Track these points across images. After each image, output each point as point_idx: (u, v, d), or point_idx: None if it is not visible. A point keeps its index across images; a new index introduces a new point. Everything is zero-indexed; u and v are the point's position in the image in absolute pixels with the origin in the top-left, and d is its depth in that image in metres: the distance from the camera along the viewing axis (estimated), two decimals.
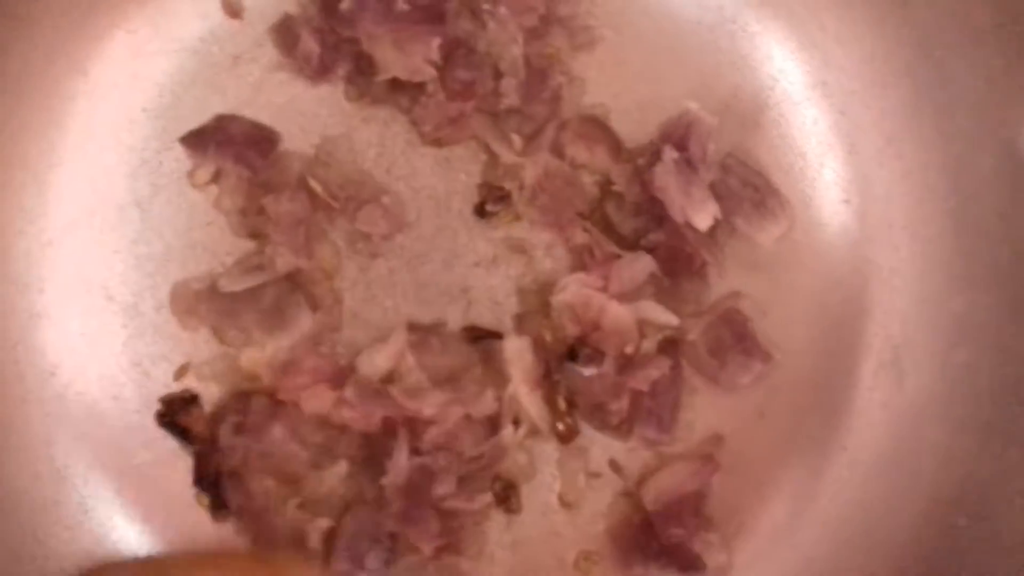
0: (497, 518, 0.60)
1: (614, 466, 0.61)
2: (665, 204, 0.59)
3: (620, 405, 0.59)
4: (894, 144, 0.62)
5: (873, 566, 0.59)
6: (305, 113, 0.62)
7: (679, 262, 0.60)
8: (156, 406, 0.60)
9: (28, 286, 0.59)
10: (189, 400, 0.60)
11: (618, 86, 0.63)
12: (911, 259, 0.61)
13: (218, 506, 0.59)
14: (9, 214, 0.59)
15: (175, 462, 0.60)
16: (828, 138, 0.63)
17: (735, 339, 0.60)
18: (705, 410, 0.61)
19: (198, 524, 0.59)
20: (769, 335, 0.61)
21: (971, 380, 0.59)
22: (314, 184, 0.60)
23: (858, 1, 0.61)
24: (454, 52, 0.60)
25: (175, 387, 0.60)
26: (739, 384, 0.60)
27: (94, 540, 0.59)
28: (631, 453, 0.61)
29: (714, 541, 0.59)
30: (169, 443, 0.60)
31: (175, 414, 0.59)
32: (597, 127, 0.62)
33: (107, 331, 0.60)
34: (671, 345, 0.61)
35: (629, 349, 0.59)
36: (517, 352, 0.59)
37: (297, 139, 0.62)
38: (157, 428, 0.60)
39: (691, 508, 0.59)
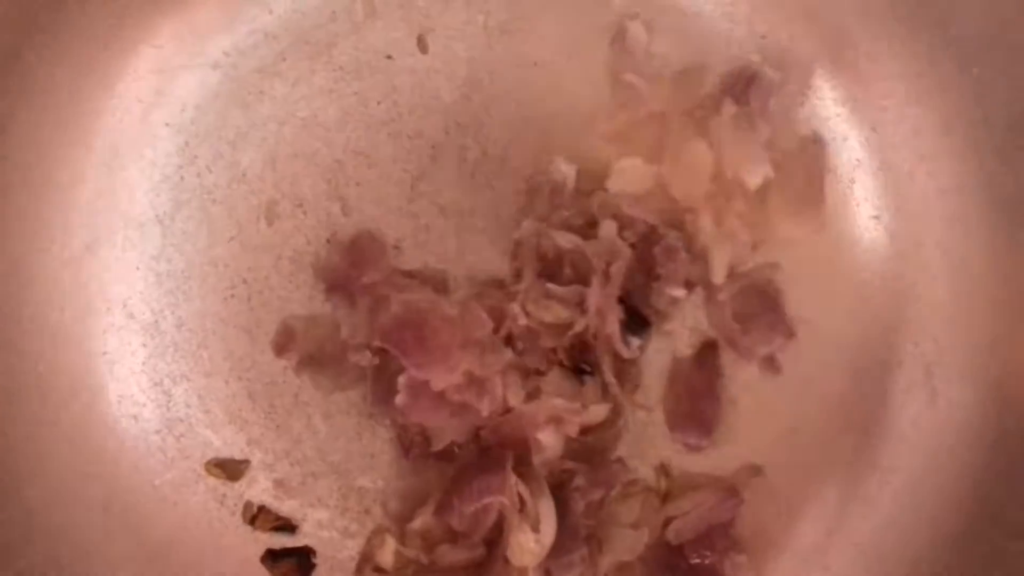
0: None
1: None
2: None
3: None
4: (927, 161, 0.61)
5: None
6: (329, 128, 0.61)
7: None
8: (177, 427, 0.59)
9: (49, 304, 0.58)
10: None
11: None
12: (943, 277, 0.61)
13: None
14: (32, 231, 0.58)
15: (196, 483, 0.59)
16: (858, 154, 0.62)
17: (763, 308, 0.60)
18: (737, 426, 0.61)
19: (219, 547, 0.59)
20: (799, 313, 0.61)
21: (1004, 399, 0.58)
22: None
23: (892, 19, 0.60)
24: None
25: (194, 407, 0.59)
26: (756, 353, 0.60)
27: (115, 566, 0.58)
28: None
29: (743, 563, 0.59)
30: (189, 464, 0.59)
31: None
32: None
33: (127, 350, 0.60)
34: (710, 349, 0.61)
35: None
36: None
37: (321, 154, 0.61)
38: (177, 448, 0.59)
39: (720, 529, 0.59)
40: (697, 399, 0.60)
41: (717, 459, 0.61)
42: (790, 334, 0.60)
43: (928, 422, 0.60)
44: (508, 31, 0.62)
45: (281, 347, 0.60)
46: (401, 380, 0.56)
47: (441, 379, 0.55)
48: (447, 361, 0.55)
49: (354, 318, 0.58)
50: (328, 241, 0.60)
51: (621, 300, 0.58)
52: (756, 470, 0.60)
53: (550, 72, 0.62)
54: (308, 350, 0.60)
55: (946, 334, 0.60)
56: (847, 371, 0.61)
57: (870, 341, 0.61)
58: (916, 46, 0.60)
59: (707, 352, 0.61)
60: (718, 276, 0.60)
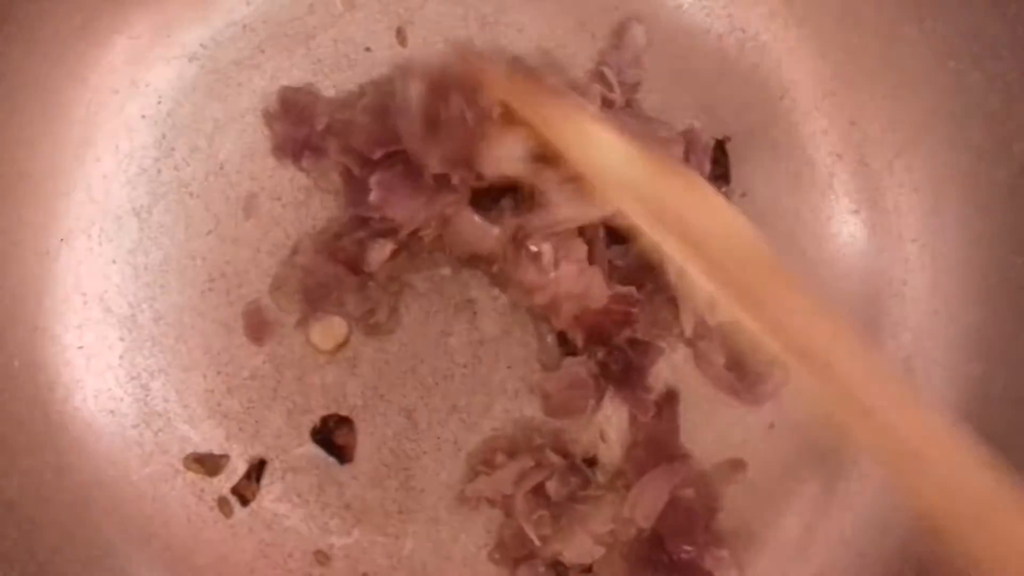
0: None
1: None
2: None
3: None
4: (905, 155, 0.61)
5: None
6: None
7: None
8: (155, 421, 0.59)
9: (25, 298, 0.58)
10: (342, 420, 0.60)
11: None
12: (921, 271, 0.61)
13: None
14: (6, 224, 0.57)
15: (174, 478, 0.59)
16: (838, 148, 0.63)
17: (752, 350, 0.59)
18: (716, 423, 0.61)
19: (197, 540, 0.58)
20: None
21: (984, 393, 0.58)
22: None
23: (870, 12, 0.60)
24: None
25: (172, 401, 0.59)
26: (760, 396, 0.60)
27: (93, 559, 0.57)
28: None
29: (725, 557, 0.59)
30: (167, 459, 0.59)
31: (331, 432, 0.59)
32: None
33: (104, 344, 0.59)
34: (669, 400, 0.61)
35: None
36: None
37: None
38: (155, 443, 0.59)
39: (701, 524, 0.59)
40: (659, 450, 0.59)
41: (698, 455, 0.60)
42: (786, 367, 0.60)
43: None
44: (488, 24, 0.62)
45: (255, 333, 0.60)
46: (373, 179, 0.57)
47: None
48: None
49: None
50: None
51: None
52: (738, 464, 0.60)
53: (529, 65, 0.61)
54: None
55: (924, 327, 0.61)
56: None
57: None
58: (894, 40, 0.60)
59: (667, 402, 0.60)
60: (688, 329, 0.60)
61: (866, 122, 0.62)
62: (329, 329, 0.60)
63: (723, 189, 0.61)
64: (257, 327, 0.60)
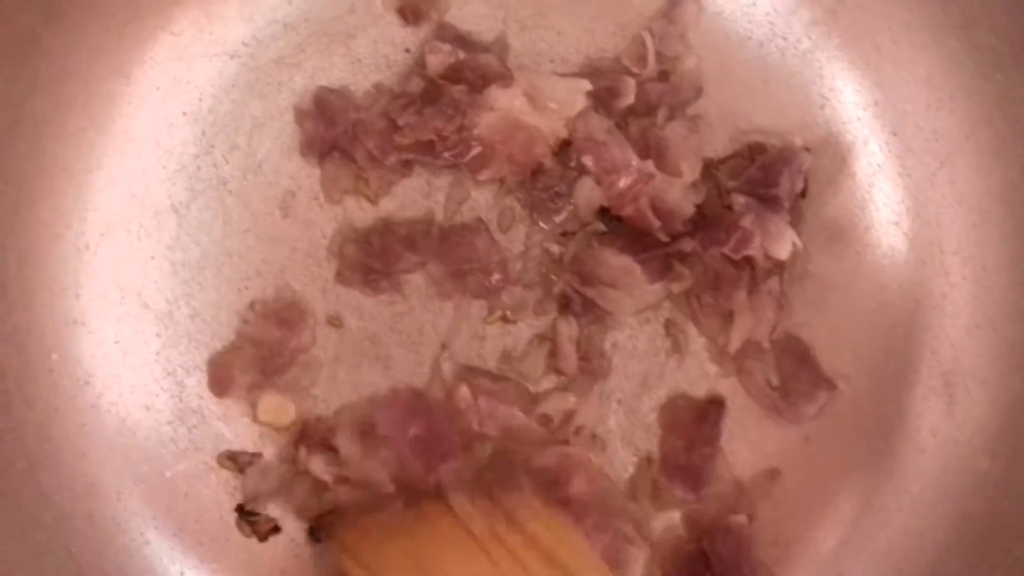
0: None
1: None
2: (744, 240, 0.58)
3: None
4: (947, 167, 0.60)
5: None
6: None
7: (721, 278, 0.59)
8: (190, 418, 0.59)
9: (64, 292, 0.58)
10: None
11: None
12: (962, 285, 0.60)
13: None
14: (46, 218, 0.58)
15: (207, 475, 0.59)
16: (878, 158, 0.62)
17: (798, 368, 0.59)
18: (751, 436, 0.60)
19: (230, 538, 0.59)
20: (829, 362, 0.60)
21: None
22: None
23: (916, 23, 0.60)
24: None
25: (207, 398, 0.59)
26: (804, 415, 0.59)
27: (127, 554, 0.57)
28: None
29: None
30: (201, 456, 0.59)
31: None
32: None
33: (141, 339, 0.59)
34: (716, 405, 0.60)
35: None
36: None
37: None
38: (189, 440, 0.59)
39: (749, 552, 0.58)
40: (693, 452, 0.59)
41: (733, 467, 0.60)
42: (832, 387, 0.59)
43: (946, 431, 0.60)
44: (527, 27, 0.62)
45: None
46: None
47: None
48: None
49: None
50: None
51: None
52: (774, 474, 0.60)
53: (567, 70, 0.61)
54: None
55: (964, 342, 0.60)
56: (864, 379, 0.61)
57: (888, 348, 0.61)
58: (939, 51, 0.60)
59: (712, 407, 0.60)
60: (735, 344, 0.59)
61: (908, 133, 0.61)
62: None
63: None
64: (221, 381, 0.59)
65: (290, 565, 0.59)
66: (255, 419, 0.59)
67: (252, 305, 0.59)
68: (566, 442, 0.59)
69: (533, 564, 0.51)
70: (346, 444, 0.57)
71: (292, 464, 0.58)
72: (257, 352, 0.59)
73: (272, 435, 0.59)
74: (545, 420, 0.59)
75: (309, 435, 0.58)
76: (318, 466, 0.57)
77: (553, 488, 0.57)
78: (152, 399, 0.59)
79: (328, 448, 0.57)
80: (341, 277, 0.60)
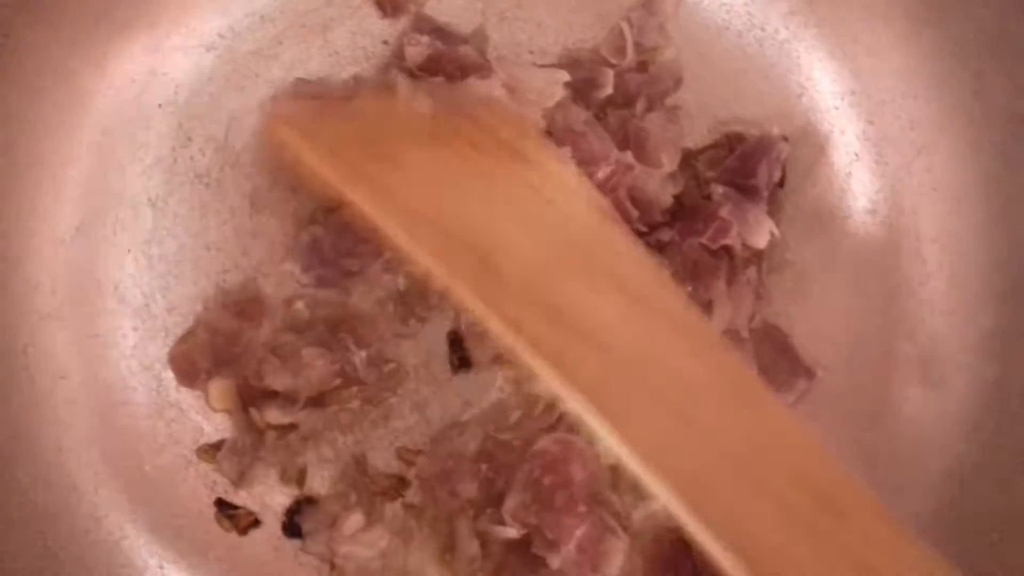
0: None
1: None
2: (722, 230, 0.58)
3: None
4: (924, 156, 0.61)
5: None
6: None
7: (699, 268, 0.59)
8: (168, 411, 0.59)
9: (39, 286, 0.58)
10: None
11: None
12: (939, 272, 0.61)
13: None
14: (21, 212, 0.57)
15: (186, 469, 0.59)
16: (856, 147, 0.62)
17: (777, 356, 0.59)
18: None
19: (209, 533, 0.58)
20: (809, 349, 0.60)
21: (1002, 397, 0.58)
22: None
23: (893, 12, 0.60)
24: None
25: (185, 391, 0.59)
26: (783, 403, 0.59)
27: (105, 550, 0.57)
28: None
29: None
30: (180, 449, 0.59)
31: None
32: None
33: (118, 333, 0.59)
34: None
35: None
36: None
37: None
38: (167, 434, 0.59)
39: None
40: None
41: None
42: (811, 375, 0.59)
43: (924, 419, 0.60)
44: (506, 19, 0.62)
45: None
46: None
47: None
48: None
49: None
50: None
51: None
52: None
53: (546, 61, 0.61)
54: None
55: (942, 329, 0.60)
56: (843, 366, 0.61)
57: (866, 336, 0.61)
58: (916, 41, 0.60)
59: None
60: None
61: (885, 122, 0.62)
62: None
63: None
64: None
65: (270, 559, 0.58)
66: (211, 408, 0.59)
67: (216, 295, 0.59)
68: (552, 428, 0.59)
69: (493, 151, 0.50)
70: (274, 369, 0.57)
71: (254, 431, 0.58)
72: (211, 340, 0.58)
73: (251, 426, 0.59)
74: (532, 400, 0.59)
75: (250, 395, 0.58)
76: (274, 415, 0.57)
77: (552, 473, 0.57)
78: (129, 393, 0.59)
79: (272, 394, 0.57)
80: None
